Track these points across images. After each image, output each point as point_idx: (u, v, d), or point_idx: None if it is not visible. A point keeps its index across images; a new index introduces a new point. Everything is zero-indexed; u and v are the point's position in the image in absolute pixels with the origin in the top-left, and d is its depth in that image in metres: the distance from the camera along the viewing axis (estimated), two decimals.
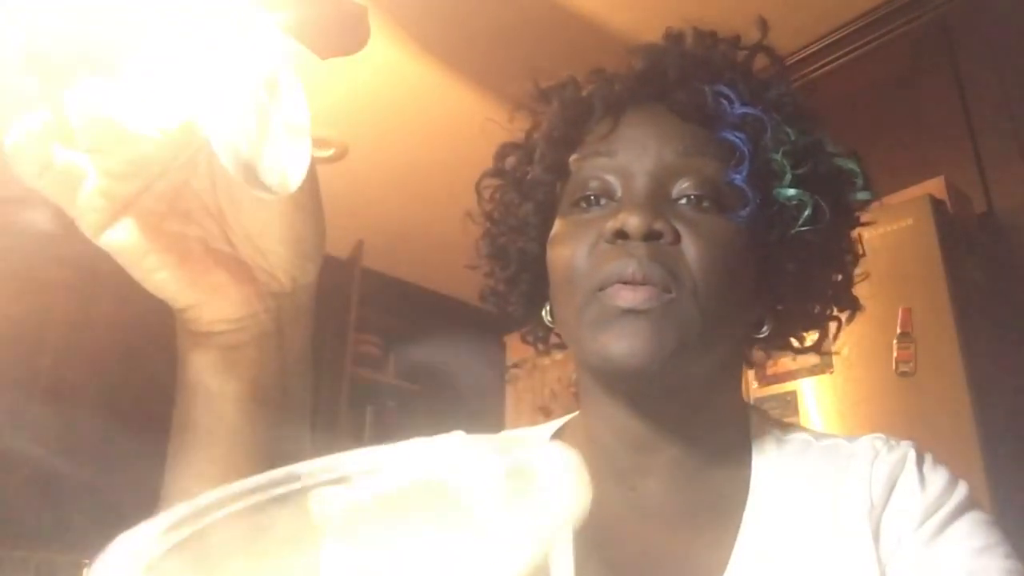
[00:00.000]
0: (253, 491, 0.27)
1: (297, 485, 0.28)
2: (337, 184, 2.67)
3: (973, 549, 0.48)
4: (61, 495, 2.24)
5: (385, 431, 3.15)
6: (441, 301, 3.50)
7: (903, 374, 1.53)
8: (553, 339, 0.64)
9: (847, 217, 0.59)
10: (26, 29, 1.98)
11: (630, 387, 0.53)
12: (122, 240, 0.35)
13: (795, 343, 0.61)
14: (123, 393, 2.37)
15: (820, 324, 0.61)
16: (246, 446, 0.39)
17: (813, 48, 2.01)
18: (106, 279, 2.27)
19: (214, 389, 0.39)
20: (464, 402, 3.18)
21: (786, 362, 1.65)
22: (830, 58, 2.04)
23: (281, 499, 0.27)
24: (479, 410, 3.08)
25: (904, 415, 1.52)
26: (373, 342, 3.16)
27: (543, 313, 0.62)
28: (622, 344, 0.49)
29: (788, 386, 1.65)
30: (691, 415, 0.55)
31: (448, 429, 0.71)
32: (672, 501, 0.54)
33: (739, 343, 0.59)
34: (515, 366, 3.38)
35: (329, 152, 2.49)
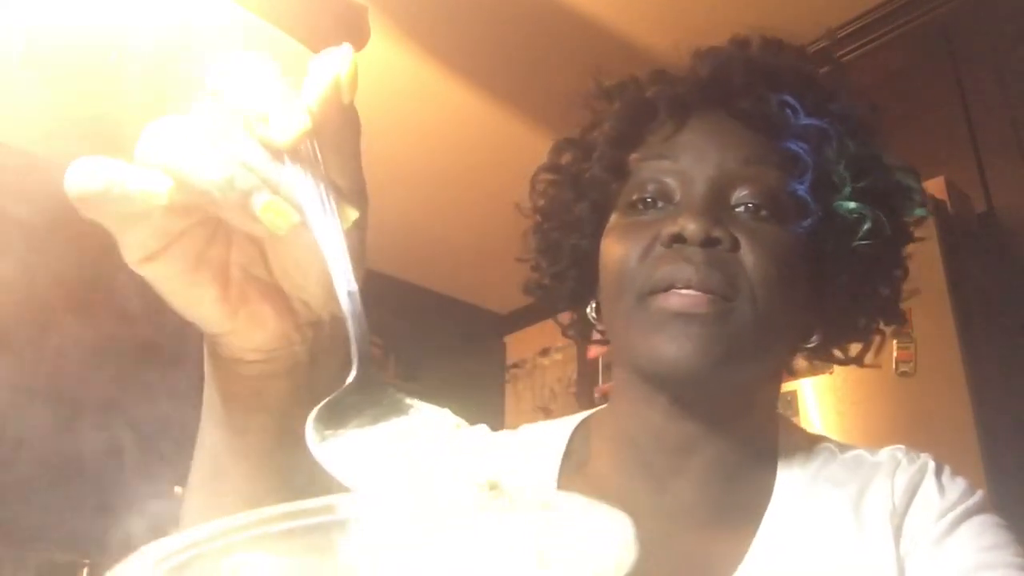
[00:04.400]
0: (278, 519, 0.26)
1: (329, 517, 0.27)
2: None
3: (983, 546, 0.49)
4: (61, 495, 2.24)
5: None
6: (441, 301, 3.50)
7: (903, 374, 1.53)
8: (595, 334, 0.64)
9: (902, 232, 0.58)
10: (27, 29, 1.97)
11: (676, 390, 0.53)
12: (166, 271, 0.33)
13: (839, 354, 0.61)
14: (124, 393, 2.37)
15: (866, 337, 0.60)
16: (270, 480, 0.38)
17: (812, 48, 2.01)
18: (108, 281, 2.27)
19: (239, 422, 0.38)
20: (464, 402, 3.17)
21: None
22: None
23: (311, 530, 0.27)
24: (479, 410, 3.08)
25: (904, 415, 1.52)
26: (373, 342, 3.14)
27: (588, 310, 0.61)
28: (673, 347, 0.49)
29: (788, 386, 1.65)
30: (731, 420, 0.55)
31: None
32: (701, 502, 0.55)
33: (787, 352, 0.59)
34: (515, 366, 3.38)
35: None
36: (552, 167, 0.64)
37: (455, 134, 2.46)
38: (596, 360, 2.73)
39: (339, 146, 0.33)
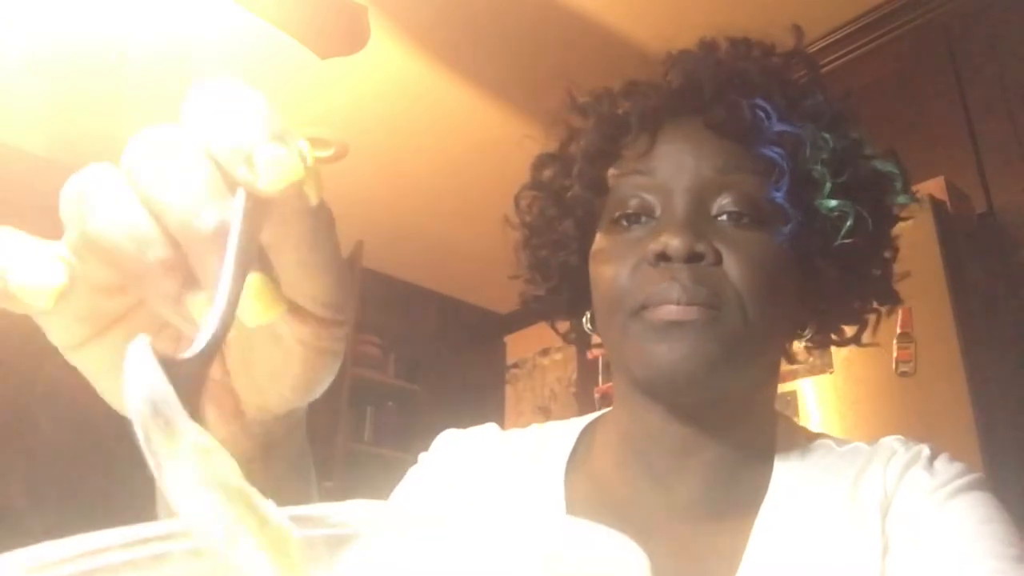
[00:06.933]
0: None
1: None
2: (337, 184, 2.67)
3: (978, 518, 0.49)
4: (60, 496, 2.24)
5: (385, 431, 3.15)
6: (441, 301, 3.51)
7: (903, 374, 1.53)
8: (595, 340, 0.64)
9: (888, 218, 0.59)
10: (27, 33, 1.98)
11: (673, 397, 0.54)
12: (100, 361, 0.28)
13: (835, 337, 0.62)
14: None
15: (861, 319, 0.61)
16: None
17: (813, 48, 2.02)
18: None
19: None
20: (464, 402, 3.18)
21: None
22: (830, 58, 2.04)
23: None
24: (479, 410, 3.08)
25: (904, 415, 1.52)
26: (373, 342, 3.16)
27: (584, 320, 0.62)
28: (667, 355, 0.50)
29: (788, 386, 1.65)
30: (729, 422, 0.56)
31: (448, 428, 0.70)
32: (702, 499, 0.56)
33: (782, 349, 0.60)
34: (515, 366, 3.38)
35: (329, 152, 2.50)
36: (534, 184, 0.64)
37: (455, 134, 2.46)
38: (596, 360, 2.73)
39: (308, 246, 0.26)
